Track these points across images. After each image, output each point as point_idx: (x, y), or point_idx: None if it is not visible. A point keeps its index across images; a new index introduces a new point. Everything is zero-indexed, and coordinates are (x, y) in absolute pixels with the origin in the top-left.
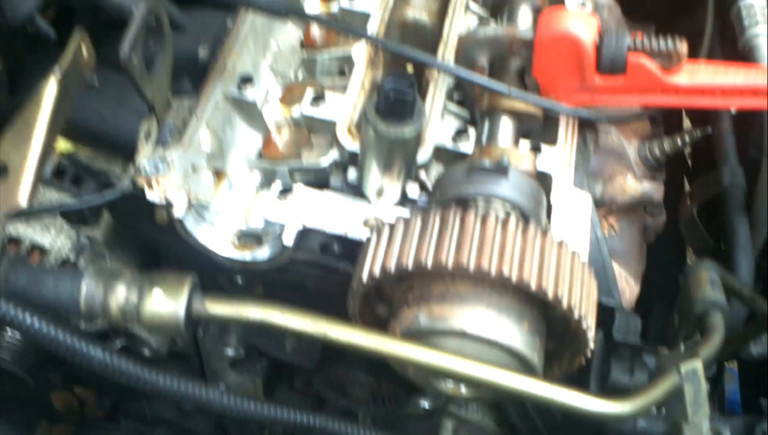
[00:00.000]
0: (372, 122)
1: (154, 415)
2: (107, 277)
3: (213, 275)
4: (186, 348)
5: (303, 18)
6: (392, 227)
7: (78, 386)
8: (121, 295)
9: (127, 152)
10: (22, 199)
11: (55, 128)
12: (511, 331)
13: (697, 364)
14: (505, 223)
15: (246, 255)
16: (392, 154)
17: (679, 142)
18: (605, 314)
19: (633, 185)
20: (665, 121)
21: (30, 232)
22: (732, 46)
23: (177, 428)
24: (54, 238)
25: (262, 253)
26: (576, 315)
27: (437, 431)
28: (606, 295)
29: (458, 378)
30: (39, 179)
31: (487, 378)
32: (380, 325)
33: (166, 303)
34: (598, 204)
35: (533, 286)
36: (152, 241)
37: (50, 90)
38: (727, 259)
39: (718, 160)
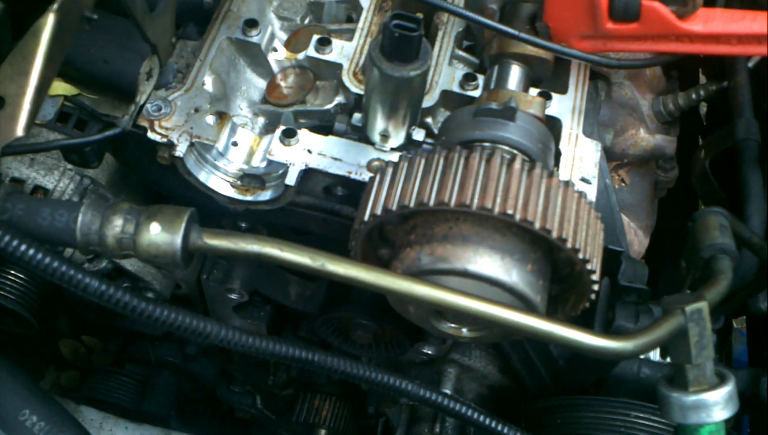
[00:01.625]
0: (377, 62)
1: (158, 360)
2: (105, 209)
3: (217, 220)
4: (190, 292)
5: None
6: (395, 167)
7: (85, 334)
8: (117, 225)
9: (131, 97)
10: (20, 129)
11: (53, 62)
12: (513, 271)
13: (702, 305)
14: (510, 163)
15: (248, 195)
16: (397, 95)
17: (693, 96)
18: (611, 259)
19: (645, 138)
20: (681, 75)
21: (33, 174)
22: None
23: (181, 372)
24: (57, 180)
25: (264, 194)
26: (581, 256)
27: (440, 378)
28: (613, 243)
29: (457, 313)
30: (36, 110)
31: (486, 312)
32: (380, 266)
33: (162, 234)
34: (609, 156)
35: (537, 225)
36: (155, 183)
37: (48, 24)
38: (739, 213)
39: (732, 113)
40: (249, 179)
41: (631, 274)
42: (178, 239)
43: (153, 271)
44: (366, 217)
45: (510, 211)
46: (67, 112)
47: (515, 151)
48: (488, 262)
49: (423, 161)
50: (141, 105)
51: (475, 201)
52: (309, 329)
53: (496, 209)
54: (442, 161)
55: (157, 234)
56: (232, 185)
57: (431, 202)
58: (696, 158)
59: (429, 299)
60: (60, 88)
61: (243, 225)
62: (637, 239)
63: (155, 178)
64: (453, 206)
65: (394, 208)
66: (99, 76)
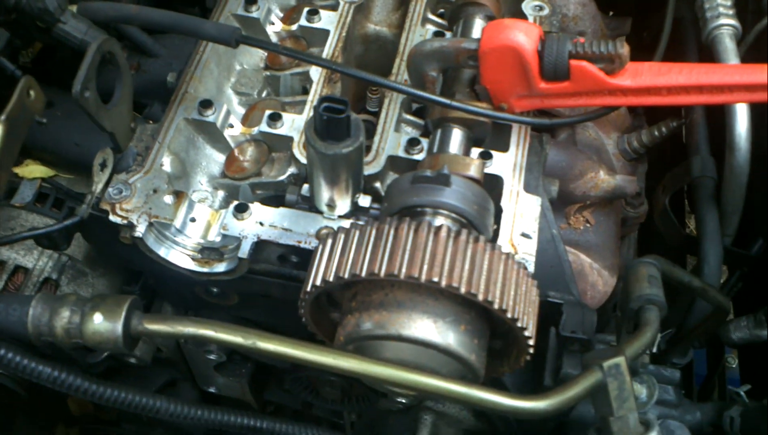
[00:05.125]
0: (311, 141)
1: (150, 418)
2: (53, 302)
3: (191, 286)
4: (171, 355)
5: (251, 44)
6: (334, 238)
7: None
8: (65, 317)
9: None
10: None
11: (4, 168)
12: (447, 333)
13: (620, 361)
14: (437, 231)
15: (206, 267)
16: (335, 169)
17: (656, 133)
18: (554, 310)
19: (605, 179)
20: (647, 110)
21: (14, 255)
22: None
23: (174, 430)
24: (36, 259)
25: (221, 266)
26: (509, 315)
27: (417, 425)
28: (563, 291)
29: (378, 382)
30: None
31: (404, 380)
32: (335, 330)
33: (105, 323)
34: (570, 199)
35: (463, 290)
36: (123, 259)
37: None
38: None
39: (689, 151)
40: (208, 252)
41: (575, 323)
42: (119, 327)
43: None
44: (309, 288)
45: (435, 279)
46: (44, 192)
47: (453, 215)
48: (421, 326)
49: (358, 233)
50: (97, 194)
51: (403, 270)
52: (291, 381)
53: (423, 277)
54: (374, 232)
55: (99, 323)
56: (192, 258)
57: (363, 273)
58: (656, 196)
59: (352, 371)
60: (37, 171)
61: (215, 290)
62: (601, 280)
63: (122, 255)
64: (383, 276)
65: (331, 278)
66: (72, 158)
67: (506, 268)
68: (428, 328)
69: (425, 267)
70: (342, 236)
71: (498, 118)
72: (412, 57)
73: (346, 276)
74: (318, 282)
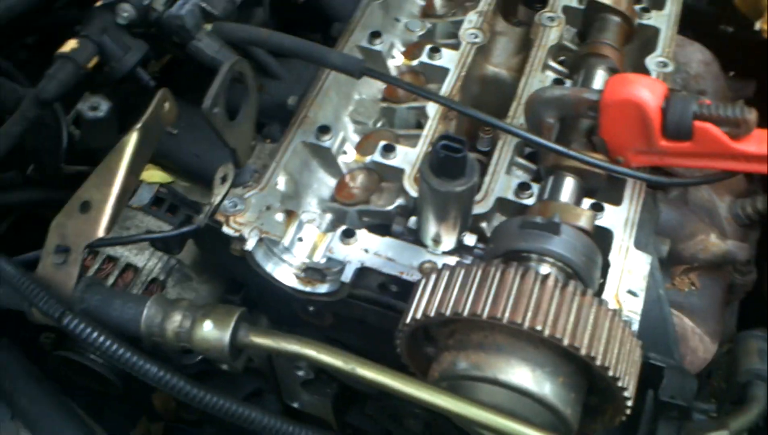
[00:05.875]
0: (426, 177)
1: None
2: (167, 306)
3: (290, 303)
4: (262, 365)
5: (374, 77)
6: (438, 275)
7: None
8: (176, 320)
9: None
10: (101, 231)
11: (134, 173)
12: (544, 383)
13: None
14: (544, 279)
15: (308, 287)
16: (446, 206)
17: None
18: (655, 373)
19: (716, 243)
20: (763, 177)
21: (126, 253)
22: None
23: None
24: (147, 260)
25: (323, 287)
26: (611, 373)
27: None
28: (664, 354)
29: (469, 422)
30: (117, 215)
31: (496, 425)
32: (428, 364)
33: (213, 331)
34: (678, 259)
35: (566, 342)
36: (229, 269)
37: (131, 141)
38: None
39: None
40: (311, 272)
41: (675, 389)
42: (227, 336)
43: None
44: (408, 320)
45: (539, 327)
46: (161, 197)
47: (560, 264)
48: (519, 373)
49: (463, 271)
50: (215, 205)
51: (506, 314)
52: (376, 407)
53: (527, 324)
54: (479, 273)
55: (209, 330)
56: (296, 276)
57: (465, 312)
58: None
59: (447, 409)
60: (156, 176)
61: (311, 308)
62: (702, 345)
63: (228, 265)
64: (485, 318)
65: (432, 314)
66: (191, 167)
67: (612, 325)
68: (526, 375)
69: (529, 314)
70: (446, 273)
71: (615, 171)
72: (532, 102)
73: (448, 313)
74: (418, 315)
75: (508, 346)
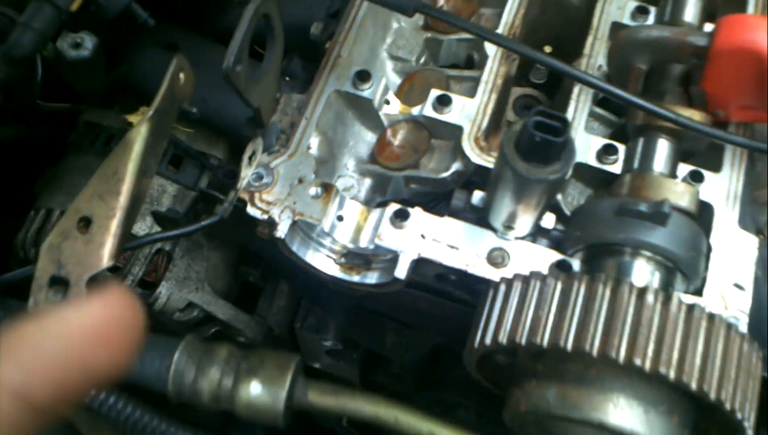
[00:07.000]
0: (510, 161)
1: None
2: (202, 356)
3: (318, 287)
4: (281, 332)
5: (430, 14)
6: (509, 287)
7: None
8: (214, 379)
9: (227, 136)
10: (106, 258)
11: (147, 175)
12: (656, 425)
13: None
14: (666, 301)
15: (354, 276)
16: (531, 193)
17: None
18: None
19: None
20: None
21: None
22: None
23: None
24: (149, 228)
25: (371, 277)
26: (738, 416)
27: None
28: (761, 341)
29: None
30: (126, 234)
31: None
32: (498, 373)
33: (264, 395)
34: None
35: (694, 386)
36: (255, 251)
37: (141, 135)
38: None
39: None
40: (352, 256)
41: None
42: (282, 401)
43: (245, 319)
44: (476, 344)
45: (663, 370)
46: None
47: (659, 258)
48: (629, 416)
49: (560, 286)
50: (239, 191)
51: (622, 352)
52: (401, 366)
53: (648, 365)
54: (583, 291)
55: (258, 394)
56: (336, 262)
57: (569, 346)
58: None
59: None
60: None
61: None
62: None
63: (256, 248)
64: (596, 356)
65: (504, 341)
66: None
67: (740, 357)
68: (638, 419)
69: (650, 352)
70: (519, 286)
71: (731, 141)
72: (621, 43)
73: (545, 344)
74: (488, 341)
75: (614, 381)
